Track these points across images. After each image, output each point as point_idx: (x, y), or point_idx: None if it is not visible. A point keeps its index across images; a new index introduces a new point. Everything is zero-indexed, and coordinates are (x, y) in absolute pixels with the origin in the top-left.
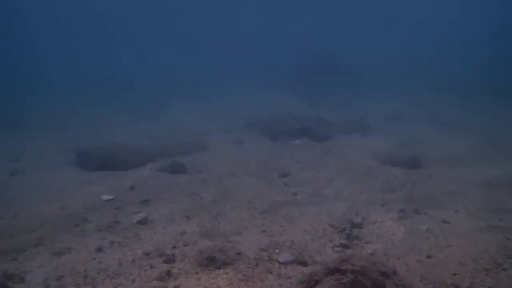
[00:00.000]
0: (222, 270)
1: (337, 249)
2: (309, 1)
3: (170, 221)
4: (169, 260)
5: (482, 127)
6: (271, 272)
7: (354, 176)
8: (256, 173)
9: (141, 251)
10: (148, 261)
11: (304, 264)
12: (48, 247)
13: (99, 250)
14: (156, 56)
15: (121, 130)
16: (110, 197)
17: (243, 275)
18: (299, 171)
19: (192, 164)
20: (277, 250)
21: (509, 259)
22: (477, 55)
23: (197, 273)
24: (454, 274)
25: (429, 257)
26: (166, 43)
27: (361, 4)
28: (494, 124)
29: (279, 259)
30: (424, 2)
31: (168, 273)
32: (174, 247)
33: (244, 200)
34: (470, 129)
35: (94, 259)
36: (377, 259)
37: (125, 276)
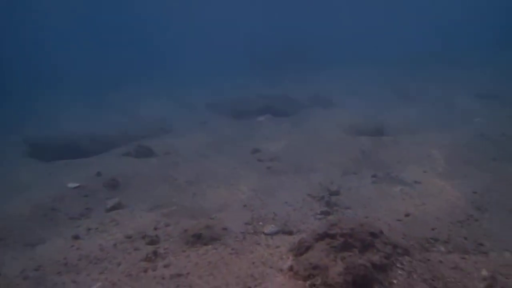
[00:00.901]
0: (210, 246)
1: (319, 216)
2: None
3: (146, 204)
4: (153, 241)
5: (433, 95)
6: (259, 244)
7: (324, 147)
8: (226, 151)
9: (122, 235)
10: (131, 244)
11: (290, 233)
12: (18, 239)
13: (76, 237)
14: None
15: (79, 119)
16: (76, 184)
17: (232, 249)
18: (269, 146)
19: (159, 147)
20: (261, 223)
21: (478, 210)
22: (428, 30)
23: (184, 251)
24: (433, 229)
25: (407, 215)
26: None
27: None
28: (442, 91)
29: (265, 231)
30: None
31: (155, 254)
32: (155, 229)
33: (219, 178)
34: (423, 97)
35: (73, 246)
36: (364, 221)
37: (109, 260)
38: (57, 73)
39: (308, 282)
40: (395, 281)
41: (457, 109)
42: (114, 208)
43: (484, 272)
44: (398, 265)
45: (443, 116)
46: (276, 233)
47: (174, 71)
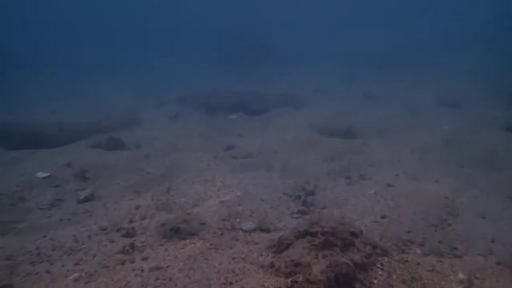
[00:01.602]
0: (188, 241)
1: (296, 215)
2: None
3: (120, 197)
4: (129, 233)
5: (399, 97)
6: (237, 240)
7: (297, 146)
8: (199, 146)
9: (96, 227)
10: (106, 236)
11: (267, 231)
12: None
13: (48, 227)
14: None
15: (42, 107)
16: (46, 174)
17: (211, 244)
18: (243, 144)
19: (129, 140)
20: (238, 220)
21: (451, 215)
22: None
23: (162, 244)
24: (408, 232)
25: (383, 217)
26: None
27: None
28: (408, 94)
29: (243, 228)
30: None
31: (132, 246)
32: (131, 221)
33: (194, 173)
34: (391, 100)
35: (45, 236)
36: (344, 220)
37: (84, 252)
38: (31, 54)
39: (290, 279)
40: (375, 281)
41: (423, 114)
42: (86, 199)
43: (461, 275)
44: (378, 265)
45: (411, 120)
46: (254, 230)
47: (144, 63)
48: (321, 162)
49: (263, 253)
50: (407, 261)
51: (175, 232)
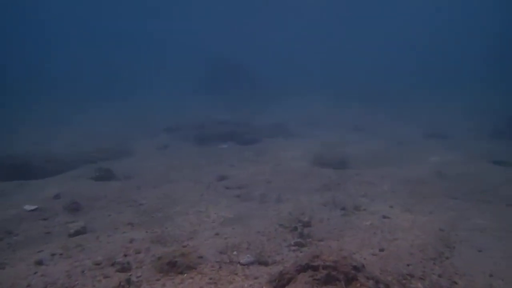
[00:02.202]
0: (186, 275)
1: (293, 247)
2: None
3: (113, 229)
4: (124, 268)
5: (387, 130)
6: (236, 274)
7: (290, 177)
8: (191, 177)
9: (90, 261)
10: (101, 271)
11: (265, 264)
12: None
13: (39, 263)
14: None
15: (29, 136)
16: (34, 207)
17: (210, 278)
18: (235, 174)
19: (119, 170)
20: (235, 252)
21: (447, 248)
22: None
23: (158, 279)
24: (408, 265)
25: (381, 250)
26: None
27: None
28: (397, 126)
29: (241, 261)
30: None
31: (128, 282)
32: (125, 255)
33: (187, 205)
34: (379, 132)
35: (36, 273)
36: (346, 254)
37: None
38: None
39: None
40: None
41: (412, 145)
42: (78, 232)
43: None
44: None
45: (401, 152)
46: (252, 263)
47: (131, 94)
48: (315, 193)
49: (264, 287)
50: None
51: (172, 266)
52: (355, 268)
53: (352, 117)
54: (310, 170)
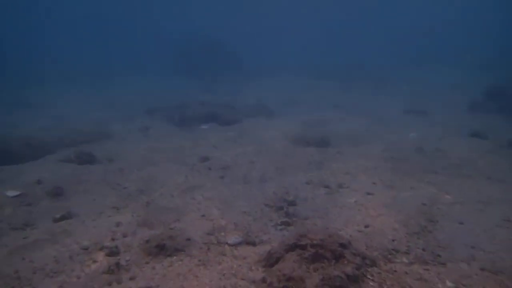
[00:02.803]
0: (175, 257)
1: (279, 227)
2: None
3: (98, 214)
4: (113, 252)
5: (367, 107)
6: (225, 255)
7: (273, 157)
8: (174, 159)
9: (77, 246)
10: (89, 256)
11: (253, 244)
12: None
13: (25, 249)
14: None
15: (3, 120)
16: (17, 192)
17: (199, 260)
18: (219, 155)
19: (101, 154)
20: (222, 233)
21: (430, 222)
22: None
23: (148, 262)
24: (393, 240)
25: (366, 226)
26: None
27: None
28: (376, 103)
29: (228, 241)
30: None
31: (117, 265)
32: (113, 239)
33: (172, 187)
34: (359, 110)
35: (23, 259)
36: (332, 232)
37: (67, 274)
38: None
39: None
40: None
41: (391, 123)
42: (63, 217)
43: (449, 283)
44: (369, 276)
45: (380, 128)
46: (240, 243)
47: (105, 75)
48: (298, 172)
49: (253, 267)
50: (395, 271)
51: (161, 249)
52: (342, 245)
53: (333, 95)
54: (292, 149)
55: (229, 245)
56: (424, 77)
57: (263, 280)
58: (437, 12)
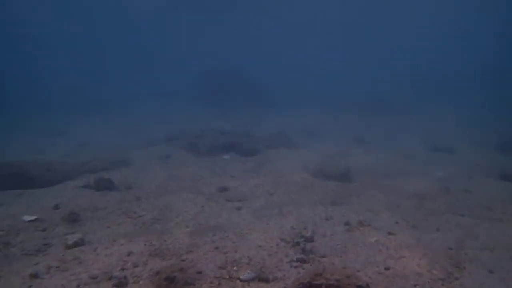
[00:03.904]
0: None
1: (295, 264)
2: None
3: (111, 242)
4: (121, 283)
5: (390, 141)
6: None
7: (292, 189)
8: (192, 188)
9: (86, 275)
10: (96, 285)
11: (266, 281)
12: None
13: (35, 276)
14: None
15: (28, 145)
16: (33, 217)
17: None
18: (237, 185)
19: (120, 180)
20: (235, 268)
21: (456, 268)
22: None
23: None
24: (415, 286)
25: (387, 269)
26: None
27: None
28: (399, 138)
29: (241, 277)
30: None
31: None
32: (123, 269)
33: (187, 217)
34: (380, 144)
35: (31, 286)
36: (350, 272)
37: None
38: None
39: None
40: None
41: (415, 159)
42: (76, 244)
43: None
44: None
45: (404, 165)
46: (253, 279)
47: (128, 103)
48: (318, 206)
49: None
50: None
51: (170, 282)
52: (359, 287)
53: (354, 128)
54: (312, 182)
55: (241, 280)
56: (445, 112)
57: None
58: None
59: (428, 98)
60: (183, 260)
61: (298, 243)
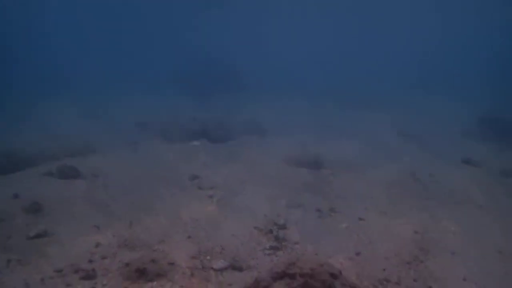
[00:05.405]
0: (155, 283)
1: (268, 251)
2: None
3: (77, 233)
4: (89, 276)
5: (362, 130)
6: (209, 281)
7: (265, 177)
8: (162, 176)
9: (51, 268)
10: (62, 279)
11: (240, 269)
12: None
13: None
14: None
15: None
16: None
17: (181, 286)
18: (209, 173)
19: (85, 168)
20: (208, 257)
21: (421, 251)
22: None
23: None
24: (384, 269)
25: (357, 254)
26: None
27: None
28: (371, 127)
29: (214, 266)
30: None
31: None
32: (90, 261)
33: (157, 206)
34: (353, 132)
35: None
36: (323, 260)
37: None
38: None
39: None
40: None
41: (384, 146)
42: (39, 236)
43: None
44: None
45: (373, 152)
46: (226, 268)
47: (96, 87)
48: (290, 194)
49: None
50: None
51: (141, 274)
52: (332, 275)
53: (328, 117)
54: (285, 170)
55: (215, 270)
56: (418, 101)
57: None
58: (431, 38)
59: (406, 88)
60: (155, 251)
61: (271, 231)
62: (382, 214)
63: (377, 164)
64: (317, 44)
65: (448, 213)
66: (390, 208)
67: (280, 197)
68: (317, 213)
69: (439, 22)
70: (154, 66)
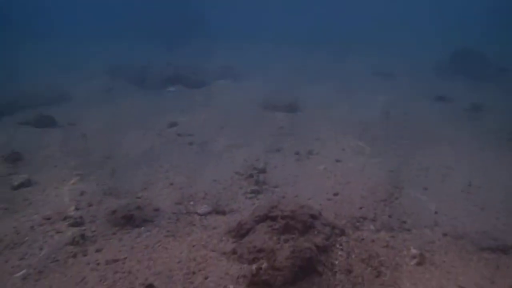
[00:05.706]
0: (143, 228)
1: (249, 195)
2: None
3: (61, 182)
4: (77, 222)
5: (336, 71)
6: (194, 225)
7: (242, 122)
8: (139, 123)
9: (39, 216)
10: (52, 226)
11: (223, 213)
12: None
13: None
14: None
15: None
16: None
17: (168, 231)
18: (186, 119)
19: (61, 117)
20: (192, 202)
21: (396, 188)
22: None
23: (115, 233)
24: (360, 208)
25: (336, 194)
26: None
27: None
28: (345, 68)
29: (198, 211)
30: None
31: (83, 237)
32: (77, 209)
33: (138, 154)
34: (328, 74)
35: None
36: (303, 202)
37: (28, 245)
38: None
39: (254, 266)
40: (336, 262)
41: (359, 86)
42: (22, 185)
43: (413, 250)
44: (338, 245)
45: (348, 93)
46: (210, 213)
47: (61, 32)
48: (268, 138)
49: (223, 238)
50: (363, 239)
51: (128, 220)
52: (312, 216)
53: (302, 60)
54: (261, 114)
55: (199, 214)
56: (394, 39)
57: (233, 252)
58: None
59: (384, 27)
60: (139, 198)
61: (251, 175)
62: (359, 155)
63: (352, 104)
64: None
65: (422, 151)
66: (366, 149)
67: (258, 141)
68: (295, 156)
69: None
70: (122, 13)
